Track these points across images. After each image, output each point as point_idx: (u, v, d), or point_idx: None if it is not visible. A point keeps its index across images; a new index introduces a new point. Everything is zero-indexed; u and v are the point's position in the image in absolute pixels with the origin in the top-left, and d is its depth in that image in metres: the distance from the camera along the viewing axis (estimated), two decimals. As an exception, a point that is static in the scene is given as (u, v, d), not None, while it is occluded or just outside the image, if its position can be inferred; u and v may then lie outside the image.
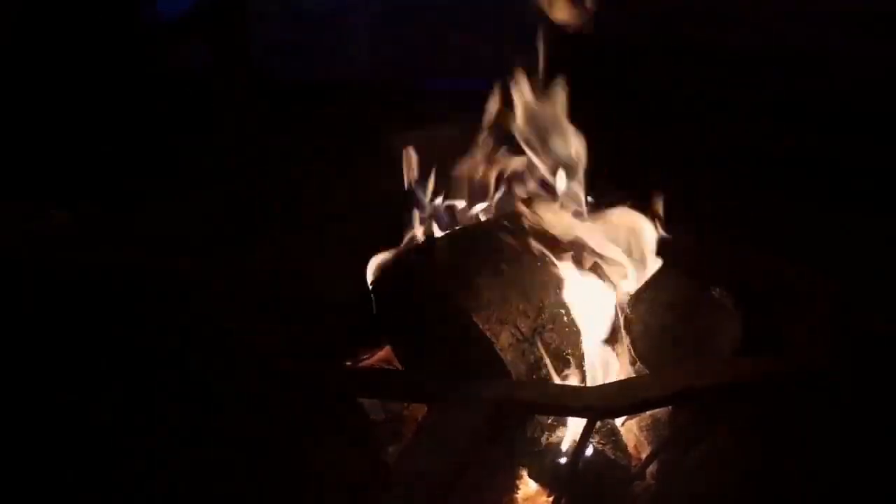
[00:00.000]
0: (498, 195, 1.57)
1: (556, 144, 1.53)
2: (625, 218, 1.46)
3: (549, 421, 1.34)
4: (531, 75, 1.51)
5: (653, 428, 1.38)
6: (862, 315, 1.44)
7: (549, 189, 1.57)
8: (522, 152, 1.55)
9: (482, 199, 1.58)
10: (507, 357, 1.26)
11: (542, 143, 1.54)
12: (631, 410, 1.29)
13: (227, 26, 3.07)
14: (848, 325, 1.36)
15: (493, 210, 1.57)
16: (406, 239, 1.57)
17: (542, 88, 1.52)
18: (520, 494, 1.32)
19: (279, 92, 3.12)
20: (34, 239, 1.97)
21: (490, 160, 1.56)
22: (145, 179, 2.48)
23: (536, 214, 1.47)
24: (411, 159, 1.60)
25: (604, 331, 1.41)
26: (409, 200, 1.61)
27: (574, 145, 1.52)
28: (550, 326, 1.34)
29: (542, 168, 1.53)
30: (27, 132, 2.60)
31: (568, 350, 1.37)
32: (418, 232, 1.58)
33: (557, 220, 1.47)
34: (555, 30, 1.51)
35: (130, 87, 2.78)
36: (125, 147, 2.62)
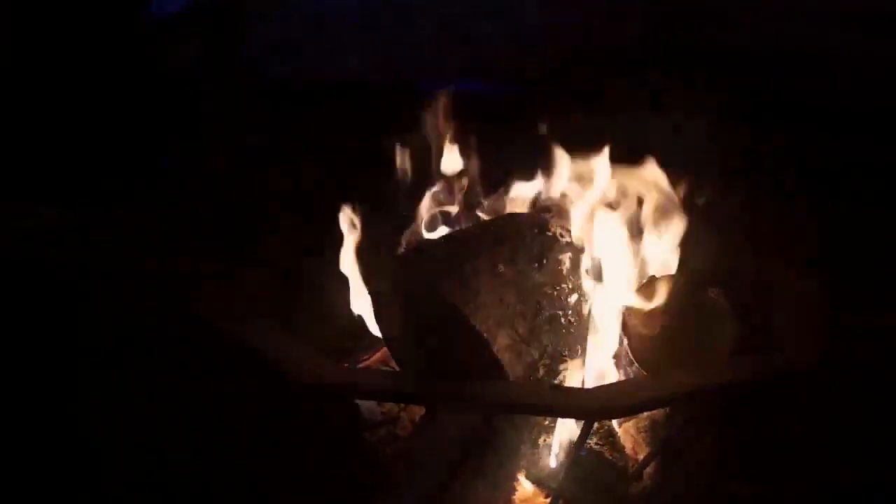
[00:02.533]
0: (493, 196, 1.57)
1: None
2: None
3: (547, 422, 1.34)
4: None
5: (650, 429, 1.38)
6: (857, 313, 1.45)
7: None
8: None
9: (479, 200, 1.58)
10: (505, 358, 1.26)
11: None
12: (628, 412, 1.29)
13: (223, 26, 3.07)
14: (842, 323, 1.36)
15: (489, 211, 1.57)
16: (404, 240, 1.57)
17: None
18: (517, 496, 1.32)
19: (277, 92, 3.12)
20: (25, 237, 1.97)
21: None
22: (140, 179, 2.48)
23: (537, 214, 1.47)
24: (409, 161, 1.60)
25: (602, 332, 1.40)
26: (408, 201, 1.61)
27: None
28: (548, 328, 1.34)
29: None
30: (21, 131, 2.60)
31: (566, 351, 1.36)
32: (416, 233, 1.58)
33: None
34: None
35: (128, 86, 2.77)
36: (120, 147, 2.62)
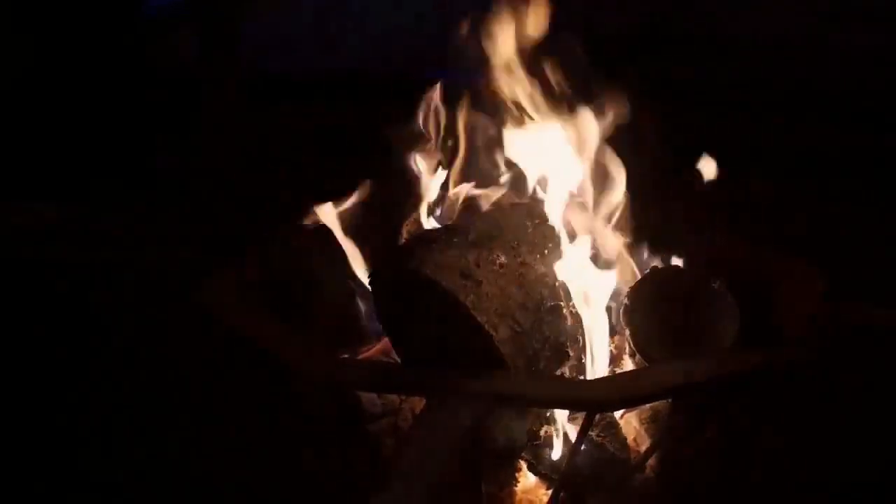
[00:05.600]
0: (495, 186, 1.56)
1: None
2: None
3: (548, 414, 1.34)
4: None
5: (652, 421, 1.37)
6: (855, 306, 1.44)
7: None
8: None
9: (480, 191, 1.57)
10: (506, 350, 1.26)
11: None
12: (630, 403, 1.29)
13: (221, 20, 3.06)
14: (845, 316, 1.36)
15: (491, 201, 1.56)
16: (404, 231, 1.57)
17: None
18: (518, 487, 1.31)
19: (276, 86, 3.12)
20: (25, 235, 1.97)
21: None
22: (140, 175, 2.48)
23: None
24: (409, 151, 1.59)
25: (604, 323, 1.40)
26: (408, 192, 1.60)
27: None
28: (550, 319, 1.33)
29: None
30: (20, 129, 2.60)
31: (567, 343, 1.36)
32: (417, 224, 1.57)
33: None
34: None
35: (126, 82, 2.77)
36: (119, 143, 2.62)
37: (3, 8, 2.72)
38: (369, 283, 1.36)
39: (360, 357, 1.49)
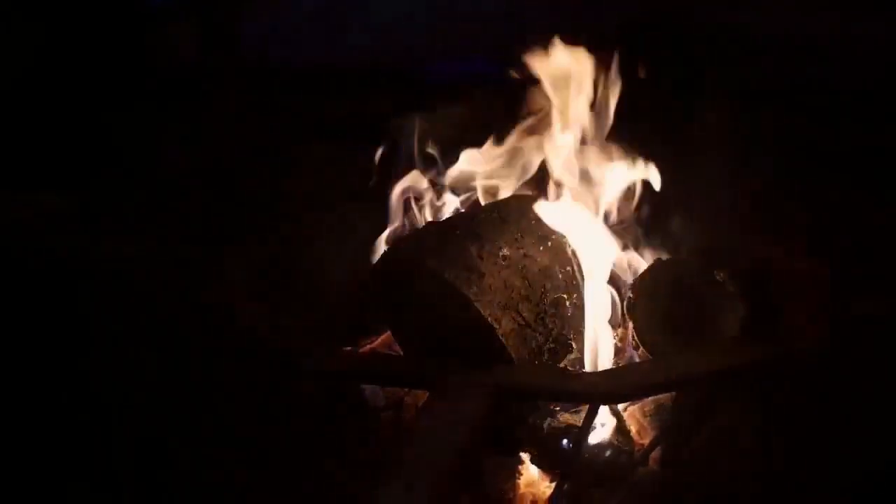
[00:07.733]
0: (499, 179, 1.56)
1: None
2: None
3: (552, 406, 1.33)
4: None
5: (656, 413, 1.37)
6: (857, 298, 1.44)
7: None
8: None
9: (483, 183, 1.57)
10: (509, 343, 1.25)
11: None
12: (634, 396, 1.28)
13: (219, 15, 3.04)
14: (844, 309, 1.35)
15: (494, 195, 1.56)
16: (407, 225, 1.56)
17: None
18: (522, 480, 1.31)
19: (276, 80, 3.10)
20: (25, 225, 1.97)
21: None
22: (135, 169, 2.47)
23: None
24: (411, 144, 1.59)
25: (607, 315, 1.40)
26: (410, 186, 1.60)
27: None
28: (553, 311, 1.33)
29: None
30: (20, 120, 2.59)
31: (571, 335, 1.36)
32: (419, 218, 1.57)
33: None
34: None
35: (123, 80, 2.76)
36: (115, 142, 2.61)
37: (3, 7, 2.72)
38: (372, 275, 1.36)
39: (364, 350, 1.49)
